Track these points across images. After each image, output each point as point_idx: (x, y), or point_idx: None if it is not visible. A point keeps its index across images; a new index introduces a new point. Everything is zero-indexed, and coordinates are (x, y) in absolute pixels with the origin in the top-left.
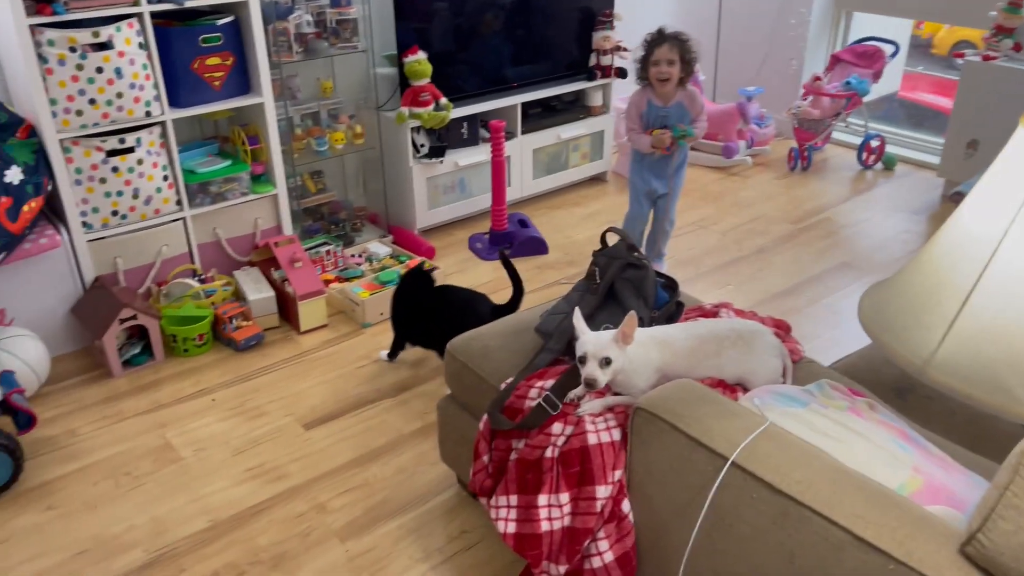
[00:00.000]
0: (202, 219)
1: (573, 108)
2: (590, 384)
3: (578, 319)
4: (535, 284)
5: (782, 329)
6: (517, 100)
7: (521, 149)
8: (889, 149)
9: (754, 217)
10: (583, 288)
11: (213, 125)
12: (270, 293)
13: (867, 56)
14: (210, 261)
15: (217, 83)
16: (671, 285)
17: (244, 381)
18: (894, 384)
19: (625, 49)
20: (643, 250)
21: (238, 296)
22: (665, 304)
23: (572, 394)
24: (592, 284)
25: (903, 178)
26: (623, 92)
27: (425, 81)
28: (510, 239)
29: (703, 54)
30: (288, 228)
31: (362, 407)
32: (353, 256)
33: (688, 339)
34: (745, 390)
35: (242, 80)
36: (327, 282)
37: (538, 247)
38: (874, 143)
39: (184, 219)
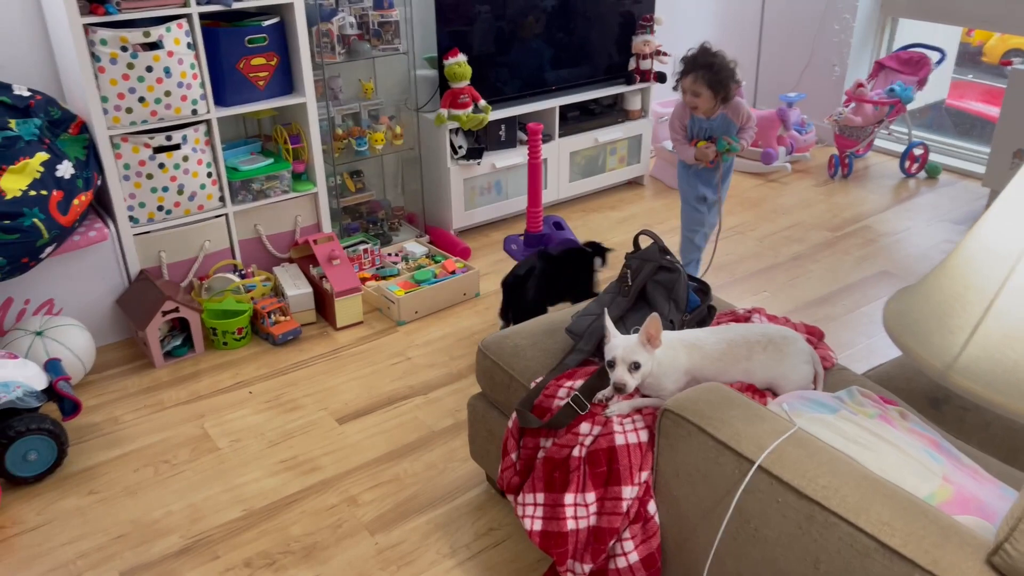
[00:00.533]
0: (244, 216)
1: (611, 112)
2: (619, 388)
3: (608, 322)
4: None
5: (815, 336)
6: (555, 103)
7: (558, 152)
8: (933, 157)
9: (792, 224)
10: (614, 290)
11: (256, 124)
12: (308, 289)
13: (912, 63)
14: (251, 257)
15: (261, 83)
16: (703, 289)
17: (281, 375)
18: (928, 394)
19: (665, 54)
20: (697, 252)
21: (277, 292)
22: (697, 308)
23: (600, 395)
24: (624, 286)
25: (947, 187)
26: (662, 96)
27: (464, 83)
28: (545, 241)
29: (744, 60)
30: (327, 226)
31: (394, 403)
32: (390, 255)
33: (718, 343)
34: (775, 395)
35: (285, 80)
36: (364, 280)
37: None
38: (917, 151)
39: (227, 215)
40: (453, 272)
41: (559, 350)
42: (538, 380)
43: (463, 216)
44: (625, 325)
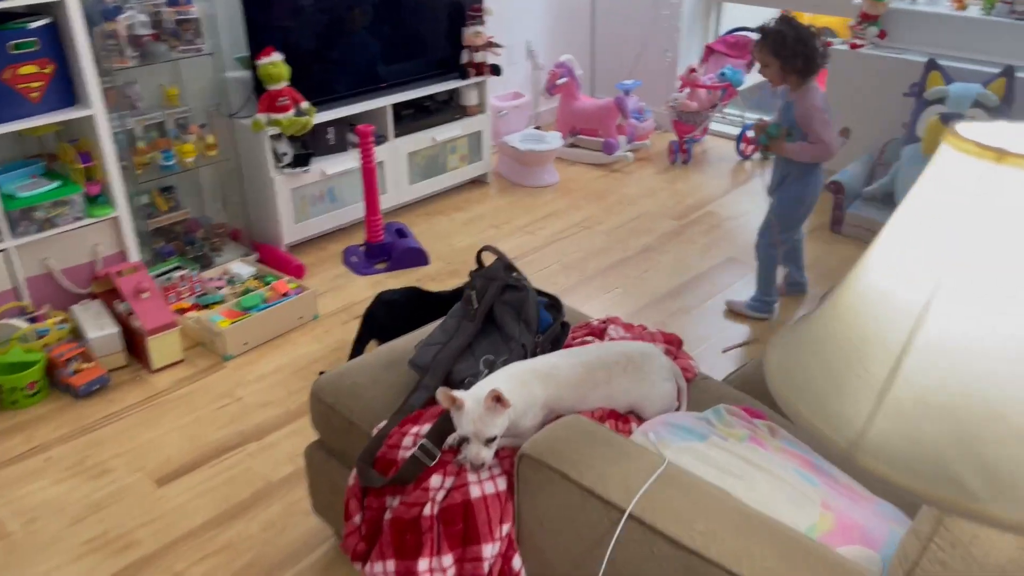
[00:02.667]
0: (29, 249)
1: (448, 108)
2: (476, 466)
3: (450, 392)
4: None
5: (673, 345)
6: (387, 101)
7: (395, 153)
8: None
9: (638, 215)
10: (460, 314)
11: (37, 142)
12: (114, 329)
13: (739, 46)
14: (42, 296)
15: (35, 94)
16: (555, 304)
17: (85, 433)
18: None
19: (498, 45)
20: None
21: (77, 334)
22: (550, 326)
23: (451, 439)
24: (469, 309)
25: None
26: (499, 90)
27: (283, 84)
28: (387, 251)
29: (578, 49)
30: (134, 254)
31: (223, 454)
32: (212, 279)
33: (574, 368)
34: (639, 419)
35: (65, 90)
36: (183, 311)
37: (418, 258)
38: (751, 133)
39: (6, 250)
40: (285, 294)
41: (403, 386)
42: (380, 426)
43: (294, 229)
44: (474, 353)
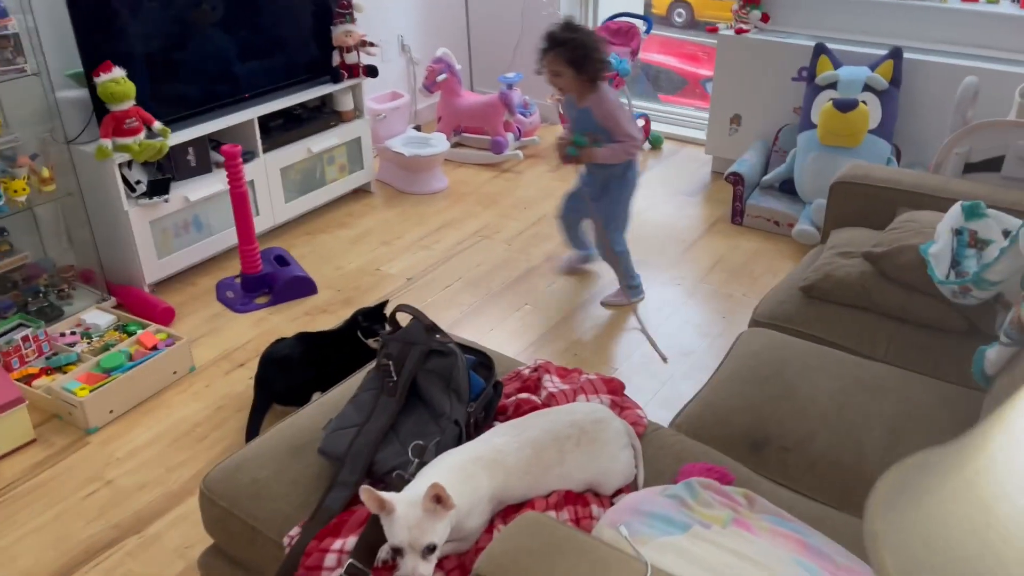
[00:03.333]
0: None
1: (321, 116)
2: None
3: (377, 493)
4: None
5: (616, 394)
6: (253, 113)
7: (266, 170)
8: (653, 127)
9: (537, 219)
10: (376, 386)
11: None
12: None
13: (622, 33)
14: None
15: None
16: (485, 363)
17: None
18: (746, 436)
19: (372, 44)
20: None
21: None
22: (482, 391)
23: (383, 553)
24: (387, 382)
25: (671, 157)
26: (375, 91)
27: (129, 104)
28: (268, 282)
29: (454, 43)
30: None
31: (96, 556)
32: (64, 335)
33: (522, 450)
34: (597, 496)
35: None
36: (30, 378)
37: (304, 287)
38: (639, 123)
39: None
40: (154, 348)
41: (315, 479)
42: (292, 535)
43: (157, 267)
44: (399, 436)
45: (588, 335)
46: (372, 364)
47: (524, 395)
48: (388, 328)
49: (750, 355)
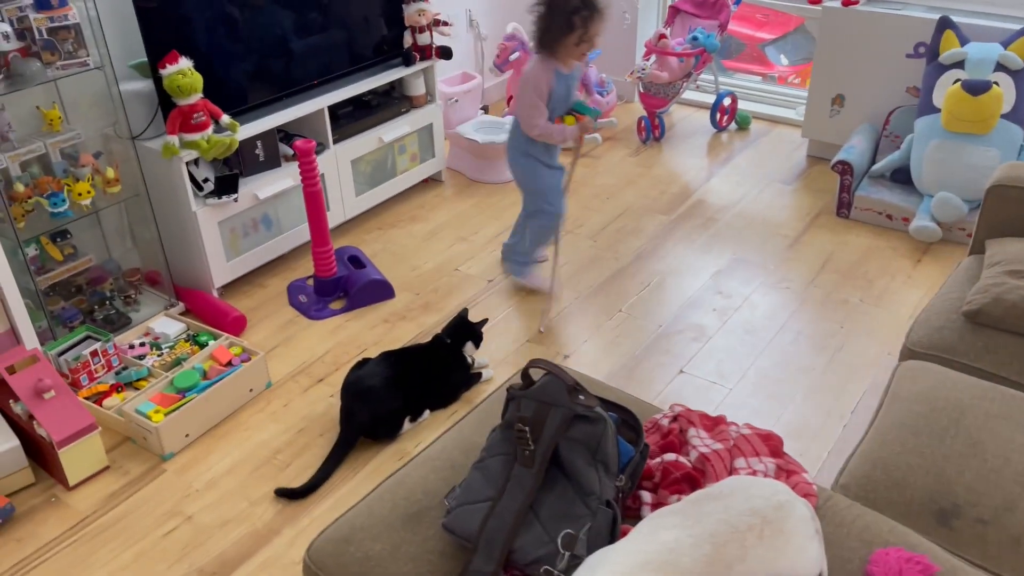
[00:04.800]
0: None
1: (392, 102)
2: None
3: None
4: (390, 344)
5: (777, 454)
6: (322, 103)
7: (336, 162)
8: (740, 105)
9: (622, 211)
10: (505, 450)
11: None
12: (12, 442)
13: (709, 5)
14: None
15: None
16: (631, 423)
17: None
18: (930, 503)
19: (446, 24)
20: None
21: None
22: (631, 461)
23: None
24: (523, 449)
25: (761, 139)
26: (446, 73)
27: (196, 97)
28: (343, 286)
29: (522, 15)
30: (27, 330)
31: None
32: (133, 347)
33: (698, 547)
34: None
35: None
36: (100, 396)
37: (382, 292)
38: (726, 102)
39: None
40: (229, 363)
41: (438, 557)
42: None
43: (225, 269)
44: (539, 518)
45: (693, 347)
46: (498, 425)
47: (671, 456)
48: (520, 384)
49: (918, 397)
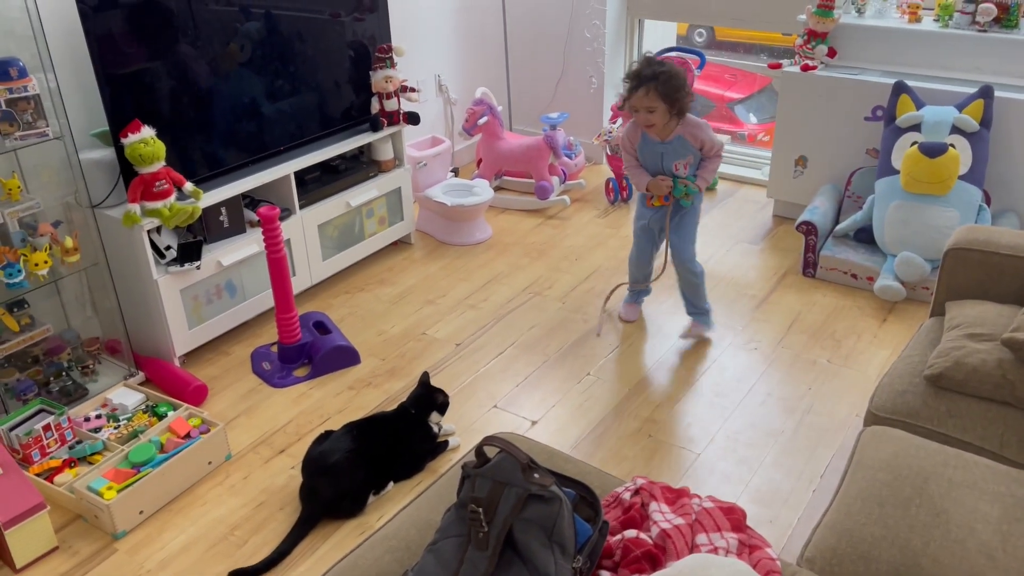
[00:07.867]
0: None
1: (360, 166)
2: None
3: None
4: (354, 412)
5: (739, 529)
6: (288, 168)
7: (303, 227)
8: None
9: (591, 272)
10: (458, 532)
11: None
12: None
13: None
14: None
15: None
16: (587, 498)
17: None
18: None
19: (414, 90)
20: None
21: None
22: (588, 540)
23: None
24: (476, 530)
25: (727, 198)
26: (416, 137)
27: (159, 165)
28: (307, 352)
29: (493, 82)
30: None
31: None
32: (89, 419)
33: None
34: None
35: None
36: (52, 472)
37: (347, 358)
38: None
39: None
40: (187, 436)
41: None
42: None
43: (188, 337)
44: None
45: (662, 411)
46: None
47: (632, 532)
48: (475, 461)
49: (881, 465)
